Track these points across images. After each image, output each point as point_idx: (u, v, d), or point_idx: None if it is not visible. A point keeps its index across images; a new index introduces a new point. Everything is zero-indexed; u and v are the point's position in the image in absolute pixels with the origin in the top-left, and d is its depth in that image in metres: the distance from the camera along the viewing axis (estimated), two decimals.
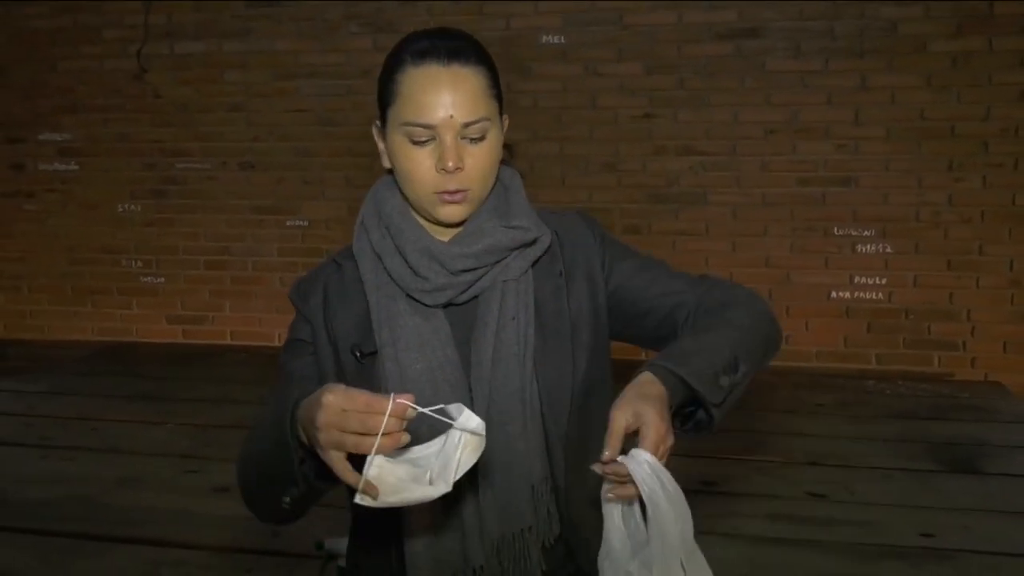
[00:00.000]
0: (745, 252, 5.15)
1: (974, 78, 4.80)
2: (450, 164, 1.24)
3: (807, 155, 5.05)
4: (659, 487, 1.10)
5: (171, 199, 5.84)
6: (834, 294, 5.10)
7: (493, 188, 1.34)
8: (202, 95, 5.71)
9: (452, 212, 1.29)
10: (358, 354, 1.31)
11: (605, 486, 1.16)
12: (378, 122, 1.33)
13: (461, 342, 1.31)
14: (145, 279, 5.94)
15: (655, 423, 1.12)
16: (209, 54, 5.67)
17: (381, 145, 1.34)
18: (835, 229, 5.06)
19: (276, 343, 5.75)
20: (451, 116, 1.23)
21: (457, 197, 1.27)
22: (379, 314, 1.31)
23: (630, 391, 1.17)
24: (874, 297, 5.06)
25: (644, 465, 1.11)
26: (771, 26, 5.02)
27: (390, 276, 1.32)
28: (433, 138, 1.25)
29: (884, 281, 5.03)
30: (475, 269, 1.30)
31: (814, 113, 5.01)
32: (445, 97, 1.23)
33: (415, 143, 1.26)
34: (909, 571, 2.67)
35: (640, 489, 1.10)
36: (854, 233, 5.05)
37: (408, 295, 1.31)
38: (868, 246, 5.03)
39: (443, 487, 1.05)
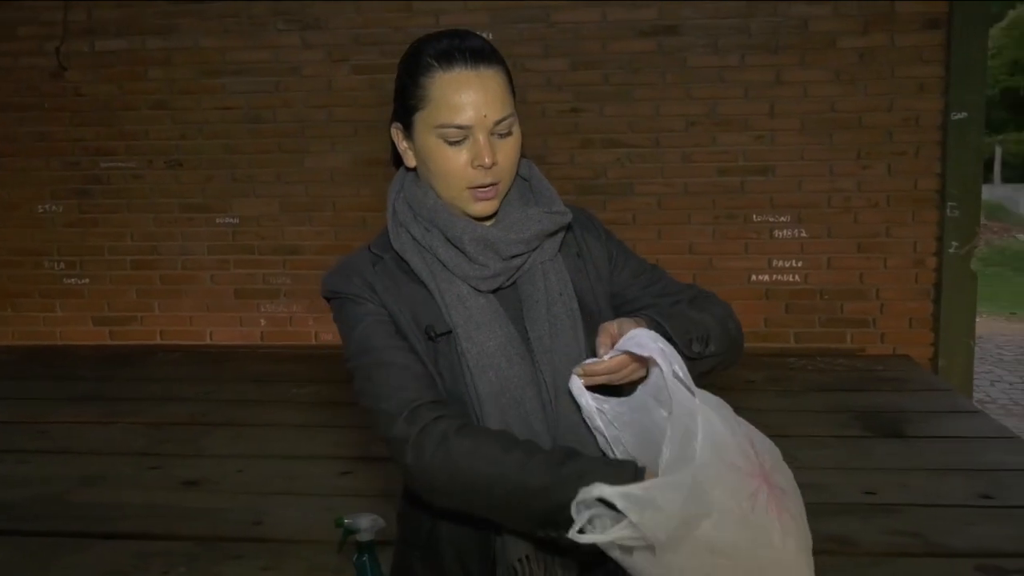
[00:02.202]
0: (670, 240, 5.41)
1: (879, 72, 5.16)
2: (487, 160, 1.34)
3: (726, 146, 5.34)
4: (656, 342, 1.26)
5: (96, 199, 5.77)
6: (754, 277, 5.40)
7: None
8: (125, 93, 5.67)
9: (485, 207, 1.39)
10: (433, 334, 1.39)
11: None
12: (398, 124, 1.42)
13: (513, 320, 1.42)
14: (69, 281, 5.86)
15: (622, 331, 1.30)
16: (132, 51, 5.63)
17: (403, 145, 1.43)
18: (754, 216, 5.37)
19: (208, 341, 5.77)
20: (485, 116, 1.33)
21: (490, 193, 1.38)
22: (445, 298, 1.39)
23: (616, 320, 1.36)
24: (791, 279, 5.38)
25: (635, 337, 1.27)
26: (690, 23, 5.28)
27: (444, 266, 1.41)
28: (467, 137, 1.35)
29: (800, 264, 5.36)
30: (522, 254, 1.42)
31: (732, 106, 5.30)
32: (478, 98, 1.33)
33: (450, 143, 1.35)
34: (860, 524, 2.94)
35: (645, 354, 1.25)
36: (771, 219, 5.36)
37: (465, 281, 1.41)
38: (785, 231, 5.35)
39: None
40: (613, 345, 1.31)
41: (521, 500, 1.23)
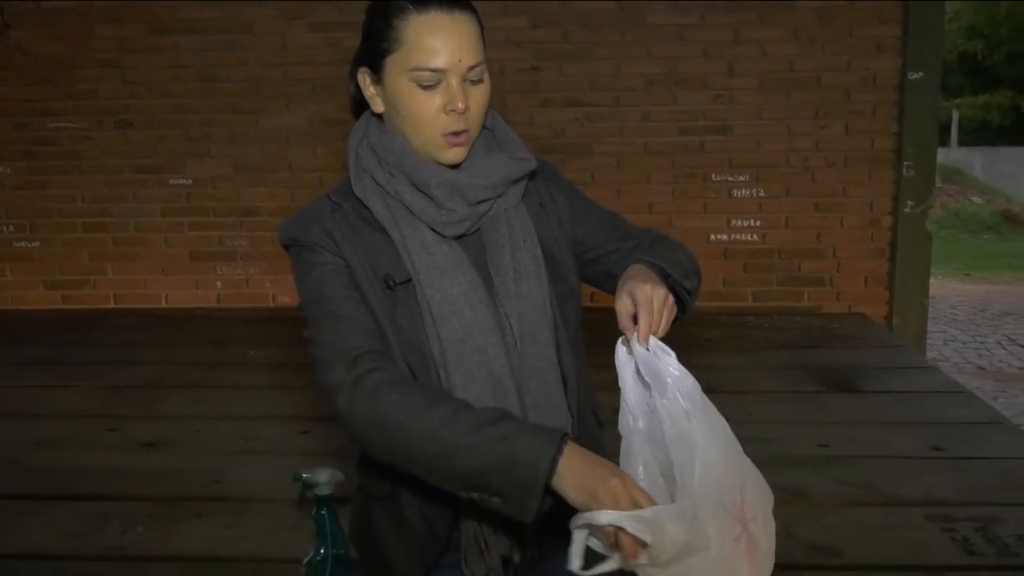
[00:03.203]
0: (629, 199, 5.44)
1: (837, 32, 5.20)
2: (460, 105, 1.35)
3: (686, 105, 5.36)
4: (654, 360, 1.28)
5: (44, 160, 5.68)
6: (713, 237, 5.46)
7: None
8: (74, 51, 5.55)
9: (457, 154, 1.41)
10: (392, 283, 1.39)
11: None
12: (366, 68, 1.42)
13: (477, 268, 1.43)
14: (18, 244, 5.78)
15: (644, 295, 1.31)
16: (80, 8, 5.50)
17: (371, 90, 1.43)
18: (713, 175, 5.42)
19: (164, 304, 5.73)
20: (459, 60, 1.34)
21: (461, 139, 1.39)
22: (407, 244, 1.40)
23: (622, 283, 1.37)
24: (749, 239, 5.45)
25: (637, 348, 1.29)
26: None
27: (410, 211, 1.41)
28: (439, 82, 1.35)
29: (758, 223, 5.43)
30: (488, 200, 1.44)
31: (692, 65, 5.32)
32: (452, 42, 1.34)
33: (423, 87, 1.36)
34: (812, 475, 3.01)
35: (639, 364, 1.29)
36: (730, 179, 5.41)
37: (430, 227, 1.42)
38: (743, 191, 5.41)
39: None
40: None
41: (444, 458, 1.23)
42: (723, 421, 1.26)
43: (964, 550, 2.49)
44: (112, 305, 5.78)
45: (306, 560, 2.30)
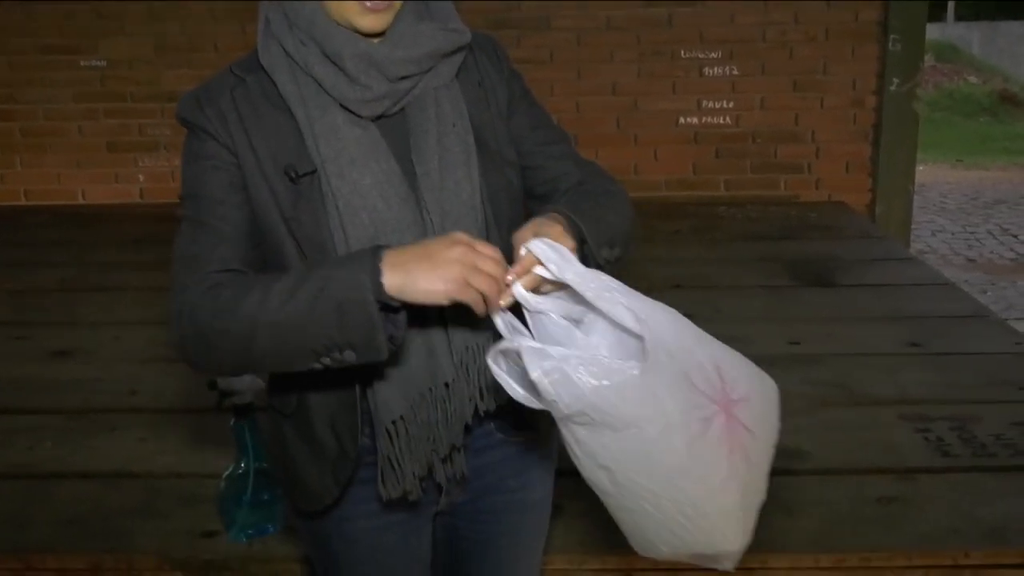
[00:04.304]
0: (591, 79, 5.34)
1: None
2: None
3: None
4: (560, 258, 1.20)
5: None
6: (682, 120, 5.39)
7: None
8: None
9: (376, 21, 1.29)
10: (293, 175, 1.31)
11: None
12: None
13: (397, 155, 1.34)
14: None
15: (558, 235, 1.23)
16: None
17: None
18: (682, 52, 5.32)
19: (81, 201, 5.61)
20: None
21: (381, 4, 1.28)
22: (314, 128, 1.31)
23: (531, 222, 1.28)
24: (722, 121, 5.38)
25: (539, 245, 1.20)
26: None
27: (320, 86, 1.32)
28: None
29: (731, 105, 5.36)
30: (412, 76, 1.33)
31: None
32: None
33: None
34: (781, 374, 2.95)
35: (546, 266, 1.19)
36: (701, 56, 5.32)
37: (342, 106, 1.32)
38: (715, 69, 5.32)
39: None
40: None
41: (278, 341, 1.21)
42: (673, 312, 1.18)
43: (938, 451, 2.50)
44: (23, 202, 5.65)
45: (225, 474, 2.28)
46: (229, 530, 2.22)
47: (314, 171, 1.31)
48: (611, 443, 1.10)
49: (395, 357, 1.29)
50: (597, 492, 1.17)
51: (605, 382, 1.07)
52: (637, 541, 1.20)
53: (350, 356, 1.19)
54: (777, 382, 3.00)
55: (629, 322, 1.13)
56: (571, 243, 1.23)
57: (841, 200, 5.37)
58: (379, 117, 1.35)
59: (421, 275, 1.14)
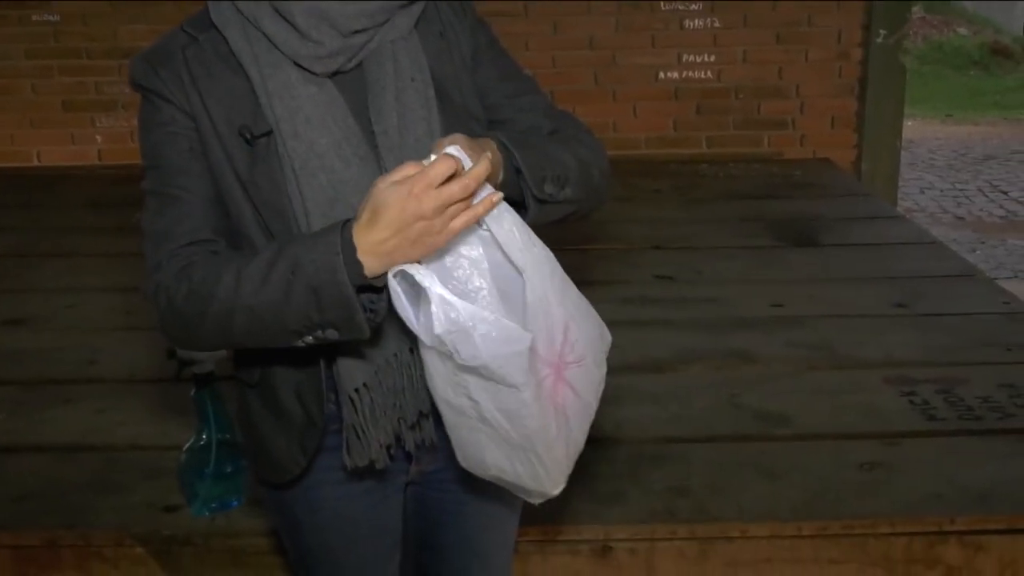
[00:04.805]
0: (567, 33, 5.29)
1: None
2: None
3: None
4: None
5: None
6: (662, 75, 5.35)
7: None
8: None
9: None
10: (248, 136, 1.29)
11: None
12: None
13: (355, 112, 1.32)
14: None
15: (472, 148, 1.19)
16: None
17: None
18: (661, 3, 5.27)
19: (36, 163, 5.54)
20: None
21: None
22: (268, 87, 1.29)
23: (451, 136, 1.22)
24: (703, 76, 5.35)
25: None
26: None
27: (272, 43, 1.30)
28: None
29: (713, 59, 5.33)
30: (367, 30, 1.31)
31: None
32: None
33: None
34: (762, 338, 3.01)
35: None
36: (681, 7, 5.28)
37: (296, 64, 1.30)
38: (696, 21, 5.29)
39: None
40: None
41: (256, 323, 1.22)
42: (547, 252, 1.25)
43: (923, 415, 2.52)
44: None
45: (187, 446, 2.26)
46: (191, 504, 2.21)
47: (270, 132, 1.30)
48: (489, 388, 1.18)
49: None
50: (447, 408, 1.24)
51: (503, 350, 1.14)
52: (467, 456, 1.29)
53: (332, 334, 1.21)
54: (758, 345, 3.03)
55: (515, 254, 1.20)
56: (487, 164, 1.16)
57: (826, 157, 5.36)
58: (335, 74, 1.33)
59: (399, 254, 1.14)
